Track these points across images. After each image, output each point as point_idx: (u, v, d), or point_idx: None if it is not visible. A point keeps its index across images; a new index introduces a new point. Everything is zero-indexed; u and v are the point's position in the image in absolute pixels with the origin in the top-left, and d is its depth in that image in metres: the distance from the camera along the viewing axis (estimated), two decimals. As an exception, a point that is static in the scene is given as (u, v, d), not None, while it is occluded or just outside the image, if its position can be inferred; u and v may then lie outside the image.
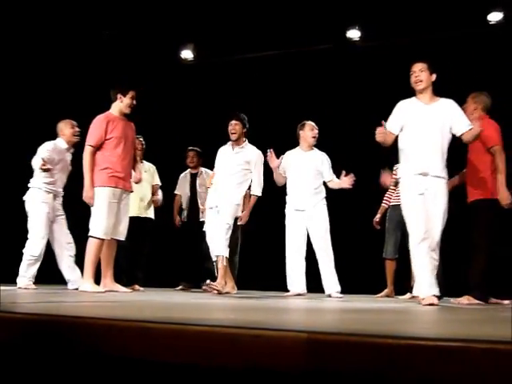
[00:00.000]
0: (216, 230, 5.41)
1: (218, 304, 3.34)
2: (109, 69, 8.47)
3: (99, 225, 4.84)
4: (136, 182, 5.39)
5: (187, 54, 8.66)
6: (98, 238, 4.84)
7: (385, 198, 6.21)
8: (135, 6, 7.57)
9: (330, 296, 5.34)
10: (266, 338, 1.41)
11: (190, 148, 7.10)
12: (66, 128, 5.75)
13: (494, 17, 7.21)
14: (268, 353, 1.39)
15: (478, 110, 4.74)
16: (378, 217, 6.14)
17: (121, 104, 5.12)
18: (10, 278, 5.59)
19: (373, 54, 7.52)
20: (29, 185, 5.63)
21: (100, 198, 4.88)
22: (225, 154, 5.73)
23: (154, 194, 6.84)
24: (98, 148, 4.97)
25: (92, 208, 4.92)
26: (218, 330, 1.48)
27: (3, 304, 2.37)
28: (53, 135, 5.85)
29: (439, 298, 5.13)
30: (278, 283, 5.95)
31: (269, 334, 1.43)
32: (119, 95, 5.12)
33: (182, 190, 7.21)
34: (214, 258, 5.60)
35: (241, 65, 8.21)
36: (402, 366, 1.27)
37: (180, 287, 6.88)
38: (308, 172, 5.54)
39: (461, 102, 4.76)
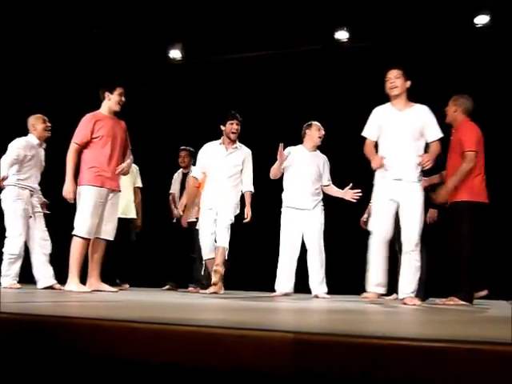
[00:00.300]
0: (220, 228, 5.45)
1: (204, 304, 3.34)
2: (97, 68, 8.44)
3: (83, 224, 4.78)
4: (123, 174, 5.23)
5: (176, 54, 8.67)
6: (82, 237, 4.79)
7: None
8: (125, 6, 7.55)
9: (316, 297, 5.35)
10: (252, 339, 1.41)
11: (182, 148, 7.10)
12: (37, 123, 5.64)
13: (481, 20, 7.27)
14: (254, 353, 1.38)
15: (458, 113, 4.76)
16: (365, 217, 6.11)
17: (109, 102, 5.06)
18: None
19: (360, 55, 7.56)
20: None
21: (85, 197, 4.83)
22: (217, 154, 5.69)
23: (135, 195, 6.87)
24: (85, 146, 4.92)
25: (77, 207, 4.87)
26: (204, 330, 1.48)
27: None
28: (23, 131, 5.75)
29: (424, 299, 5.19)
30: (262, 283, 5.97)
31: (255, 334, 1.42)
32: (107, 93, 5.06)
33: (175, 188, 7.24)
34: (205, 257, 5.65)
35: (230, 65, 8.22)
36: (387, 365, 1.28)
37: (167, 287, 6.88)
38: (311, 172, 5.51)
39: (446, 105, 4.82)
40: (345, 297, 5.57)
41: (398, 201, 4.27)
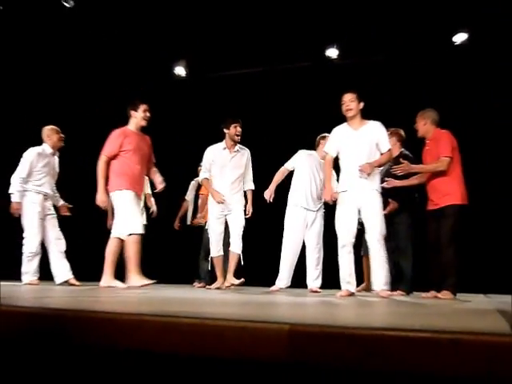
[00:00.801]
0: (235, 235, 5.54)
1: (208, 299, 3.33)
2: (107, 84, 8.47)
3: (133, 223, 4.80)
4: (160, 188, 5.31)
5: (180, 71, 8.70)
6: (136, 234, 4.79)
7: None
8: (133, 28, 7.57)
9: (311, 290, 5.34)
10: (251, 330, 1.41)
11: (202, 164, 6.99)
12: (52, 134, 5.76)
13: (459, 38, 7.28)
14: (253, 343, 1.38)
15: (428, 125, 4.82)
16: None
17: (136, 119, 5.10)
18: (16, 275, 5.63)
19: (349, 71, 7.58)
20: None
21: (123, 200, 4.87)
22: (222, 157, 5.66)
23: (147, 202, 6.84)
24: (113, 157, 4.96)
25: (120, 211, 4.89)
26: (208, 322, 1.48)
27: (7, 298, 2.34)
28: (35, 140, 5.86)
29: (408, 292, 5.21)
30: (258, 277, 6.00)
31: (254, 326, 1.42)
32: (132, 111, 5.11)
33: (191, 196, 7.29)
34: (213, 255, 5.69)
35: (229, 80, 8.25)
36: (376, 354, 1.28)
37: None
38: (320, 178, 5.48)
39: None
40: (338, 291, 5.57)
41: (359, 207, 4.47)
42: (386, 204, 5.05)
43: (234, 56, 7.92)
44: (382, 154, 4.56)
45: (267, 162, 6.13)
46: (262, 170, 5.91)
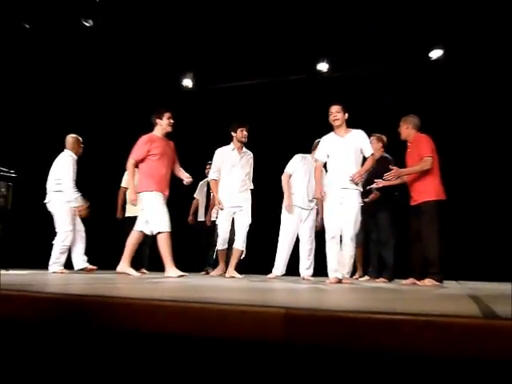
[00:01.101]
0: (241, 231, 5.47)
1: (212, 285, 3.34)
2: (118, 95, 8.49)
3: (163, 221, 4.79)
4: (187, 181, 5.28)
5: (187, 82, 8.70)
6: (166, 232, 4.77)
7: None
8: (145, 43, 7.58)
9: (303, 278, 5.35)
10: (251, 313, 1.41)
11: (210, 162, 6.92)
12: (76, 142, 5.83)
13: (435, 53, 7.30)
14: (253, 325, 1.39)
15: (410, 129, 4.86)
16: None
17: (160, 126, 5.08)
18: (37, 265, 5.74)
19: (339, 83, 7.59)
20: (52, 189, 5.68)
21: (151, 200, 4.85)
22: (232, 158, 5.61)
23: None
24: (141, 161, 4.96)
25: (149, 210, 4.87)
26: (212, 306, 1.48)
27: (35, 285, 2.34)
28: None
29: (390, 280, 5.25)
30: (255, 266, 6.01)
31: (254, 310, 1.43)
32: (157, 119, 5.09)
33: (200, 195, 7.36)
34: (219, 247, 5.70)
35: (232, 91, 8.25)
36: (360, 334, 1.28)
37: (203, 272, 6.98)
38: (313, 180, 5.36)
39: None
40: (327, 279, 5.57)
41: (342, 203, 4.52)
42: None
43: (236, 69, 7.93)
44: (366, 159, 4.64)
45: (265, 164, 6.16)
46: (262, 172, 5.94)
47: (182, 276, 4.67)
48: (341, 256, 4.50)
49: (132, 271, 4.97)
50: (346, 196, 4.51)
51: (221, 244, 5.63)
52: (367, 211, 5.31)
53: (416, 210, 4.74)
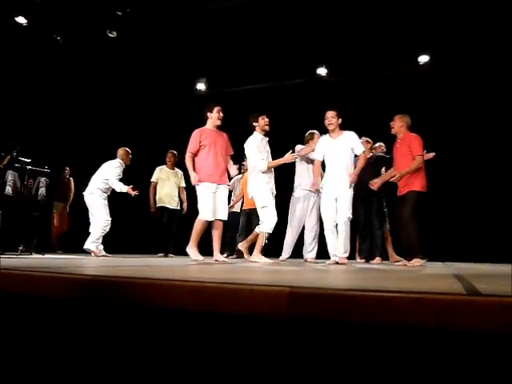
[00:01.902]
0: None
1: (226, 267, 3.35)
2: (139, 99, 8.49)
3: (202, 210, 4.73)
4: (234, 174, 5.13)
5: (201, 86, 8.69)
6: (202, 219, 4.71)
7: None
8: (162, 52, 7.59)
9: (306, 260, 5.35)
10: (259, 292, 1.42)
11: (242, 163, 6.83)
12: (126, 154, 6.13)
13: (423, 59, 7.25)
14: (261, 302, 1.40)
15: (403, 128, 4.84)
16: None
17: (211, 119, 4.98)
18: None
19: (337, 87, 7.56)
20: (95, 186, 5.93)
21: (200, 191, 4.79)
22: (263, 145, 5.12)
23: (180, 192, 6.93)
24: (197, 153, 4.86)
25: (198, 200, 4.81)
26: (225, 286, 1.49)
27: (70, 268, 2.36)
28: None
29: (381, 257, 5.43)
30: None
31: (261, 289, 1.43)
32: (208, 113, 4.99)
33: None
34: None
35: (240, 94, 8.23)
36: (356, 309, 1.29)
37: (225, 254, 6.97)
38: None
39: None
40: (328, 260, 5.57)
41: (336, 197, 4.69)
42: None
43: (244, 74, 7.92)
44: (356, 157, 4.83)
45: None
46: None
47: (198, 259, 4.63)
48: (337, 240, 4.68)
49: (221, 257, 4.86)
50: (340, 190, 4.67)
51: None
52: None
53: (401, 199, 4.76)
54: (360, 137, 5.08)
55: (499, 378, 1.18)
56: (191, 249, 4.75)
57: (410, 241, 4.60)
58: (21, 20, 6.73)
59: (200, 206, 4.77)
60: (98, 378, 1.64)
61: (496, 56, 6.52)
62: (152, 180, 6.98)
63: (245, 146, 5.03)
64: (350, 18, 6.56)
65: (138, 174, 8.01)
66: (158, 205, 6.85)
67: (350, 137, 4.82)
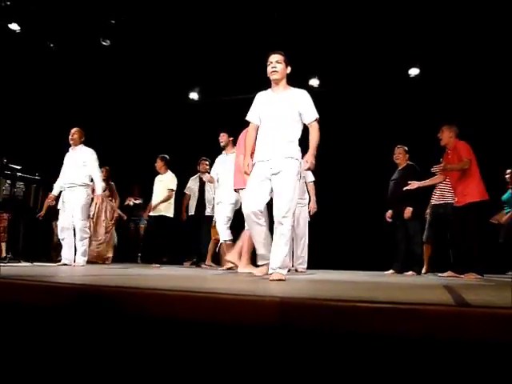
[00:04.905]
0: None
1: (214, 277, 3.33)
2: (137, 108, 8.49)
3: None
4: None
5: (194, 96, 8.73)
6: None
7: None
8: (156, 61, 7.61)
9: (296, 270, 5.32)
10: (249, 302, 1.42)
11: (203, 158, 6.87)
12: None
13: (413, 71, 7.40)
14: (251, 312, 1.39)
15: (452, 137, 4.69)
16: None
17: None
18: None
19: (329, 98, 7.61)
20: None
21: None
22: (223, 162, 5.45)
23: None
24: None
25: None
26: (215, 295, 1.49)
27: (57, 277, 2.33)
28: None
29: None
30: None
31: (251, 299, 1.43)
32: None
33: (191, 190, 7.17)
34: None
35: (234, 103, 8.24)
36: (347, 321, 1.28)
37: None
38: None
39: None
40: (325, 271, 5.57)
41: (270, 178, 3.14)
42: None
43: (237, 84, 7.94)
44: (309, 125, 3.29)
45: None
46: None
47: (252, 273, 4.02)
48: (268, 243, 3.20)
49: (253, 268, 4.16)
50: (278, 167, 3.11)
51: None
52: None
53: (460, 210, 4.57)
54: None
55: (488, 388, 1.18)
56: (246, 265, 4.26)
57: (472, 254, 4.40)
58: (14, 27, 6.72)
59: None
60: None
61: (483, 69, 6.63)
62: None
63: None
64: (343, 33, 6.64)
65: (133, 182, 7.97)
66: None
67: (301, 96, 3.37)
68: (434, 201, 5.69)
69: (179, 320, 1.48)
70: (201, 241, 6.71)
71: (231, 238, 5.20)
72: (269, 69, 3.38)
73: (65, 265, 5.03)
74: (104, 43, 7.15)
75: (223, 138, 5.62)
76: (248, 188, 3.21)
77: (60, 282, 1.92)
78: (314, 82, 7.88)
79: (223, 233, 5.28)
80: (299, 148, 3.24)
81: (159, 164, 6.51)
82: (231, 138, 5.55)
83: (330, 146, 4.63)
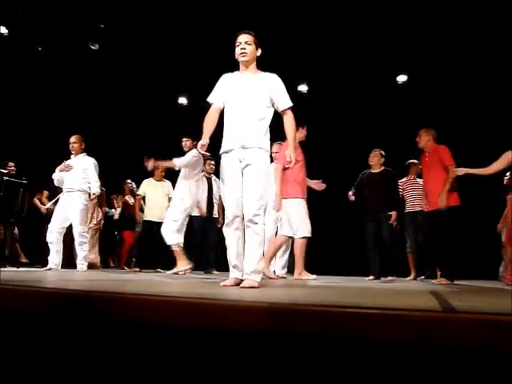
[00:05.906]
0: None
1: (205, 282, 3.31)
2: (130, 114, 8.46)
3: (307, 227, 4.52)
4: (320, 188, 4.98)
5: (183, 100, 8.73)
6: (308, 237, 4.53)
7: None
8: (146, 66, 7.59)
9: (278, 276, 5.18)
10: (238, 307, 1.41)
11: (209, 158, 6.51)
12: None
13: (401, 78, 7.50)
14: (239, 318, 1.38)
15: (430, 140, 4.67)
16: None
17: (300, 134, 4.70)
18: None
19: (317, 103, 7.66)
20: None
21: (299, 207, 4.55)
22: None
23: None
24: (285, 168, 4.49)
25: (295, 216, 4.53)
26: (203, 301, 1.48)
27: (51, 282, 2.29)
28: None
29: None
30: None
31: (240, 304, 1.43)
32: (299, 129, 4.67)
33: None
34: None
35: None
36: (334, 326, 1.28)
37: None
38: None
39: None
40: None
41: (242, 170, 2.86)
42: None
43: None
44: (283, 113, 3.04)
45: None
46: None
47: (311, 279, 4.32)
48: (240, 247, 2.86)
49: (309, 275, 4.58)
50: (247, 158, 2.84)
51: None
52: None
53: (433, 215, 4.54)
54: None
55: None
56: (303, 272, 4.42)
57: (448, 257, 4.38)
58: (2, 30, 6.67)
59: (303, 222, 4.49)
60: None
61: (472, 75, 6.73)
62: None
63: None
64: (333, 39, 6.69)
65: (118, 187, 7.90)
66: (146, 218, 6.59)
67: (272, 80, 3.01)
68: (409, 208, 5.70)
69: (165, 326, 1.47)
70: (209, 243, 6.47)
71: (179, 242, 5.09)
72: (237, 50, 2.98)
73: (50, 269, 4.96)
74: (93, 47, 7.12)
75: (187, 143, 5.55)
76: (225, 189, 2.89)
77: (43, 287, 1.89)
78: (303, 88, 7.93)
79: (172, 236, 5.10)
80: (269, 136, 2.96)
81: (162, 173, 6.73)
82: (195, 143, 5.39)
83: (317, 151, 4.64)
